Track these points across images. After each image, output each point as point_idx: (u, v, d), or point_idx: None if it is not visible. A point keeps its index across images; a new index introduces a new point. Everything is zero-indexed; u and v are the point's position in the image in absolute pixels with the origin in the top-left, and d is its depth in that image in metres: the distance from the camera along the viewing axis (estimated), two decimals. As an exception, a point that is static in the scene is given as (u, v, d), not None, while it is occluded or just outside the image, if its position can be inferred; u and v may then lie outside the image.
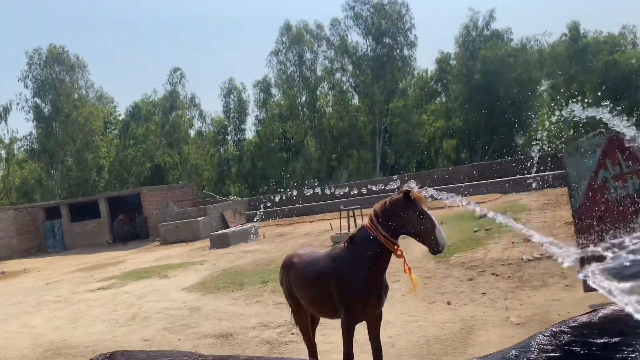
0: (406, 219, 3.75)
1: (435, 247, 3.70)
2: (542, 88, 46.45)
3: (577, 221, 5.87)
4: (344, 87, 46.24)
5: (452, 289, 7.59)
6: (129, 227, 28.16)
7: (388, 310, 6.99)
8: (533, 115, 43.74)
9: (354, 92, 46.54)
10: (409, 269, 3.97)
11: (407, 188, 3.79)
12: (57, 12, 79.16)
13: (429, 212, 3.73)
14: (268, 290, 9.34)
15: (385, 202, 3.93)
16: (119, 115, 52.40)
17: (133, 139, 47.68)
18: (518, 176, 22.23)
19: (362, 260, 3.91)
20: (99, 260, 20.16)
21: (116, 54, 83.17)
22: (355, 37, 44.47)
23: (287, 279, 4.68)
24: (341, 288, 4.00)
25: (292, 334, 6.47)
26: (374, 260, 3.88)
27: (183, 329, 7.61)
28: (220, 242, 18.40)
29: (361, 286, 3.92)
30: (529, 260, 8.17)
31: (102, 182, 46.54)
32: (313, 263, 4.36)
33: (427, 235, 3.70)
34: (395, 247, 3.86)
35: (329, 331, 6.09)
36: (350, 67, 45.13)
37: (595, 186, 5.73)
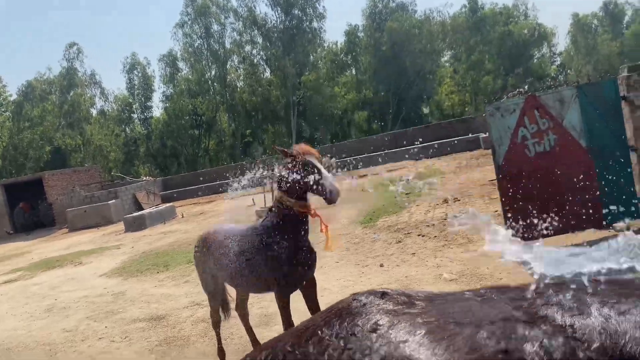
0: (297, 176, 3.76)
1: (327, 195, 3.66)
2: (445, 59, 48.52)
3: (500, 179, 6.16)
4: (255, 61, 45.47)
5: (382, 251, 7.75)
6: (32, 215, 26.04)
7: (323, 278, 7.01)
8: (437, 85, 45.70)
9: (265, 66, 45.90)
10: (326, 227, 3.97)
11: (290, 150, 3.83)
12: None
13: (316, 162, 3.72)
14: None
15: (280, 169, 3.95)
16: (10, 95, 47.93)
17: (28, 121, 43.86)
18: (431, 142, 23.18)
19: (282, 229, 3.87)
20: (0, 252, 18.52)
21: (1, 31, 75.59)
22: (263, 9, 43.86)
23: (205, 259, 4.46)
24: (268, 261, 3.91)
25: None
26: (293, 227, 3.84)
27: (109, 315, 7.16)
28: (135, 225, 17.56)
29: (287, 256, 3.86)
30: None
31: (-6, 169, 42.62)
32: (235, 239, 4.20)
33: (318, 186, 3.68)
34: (308, 208, 3.83)
35: (267, 303, 6.00)
36: (260, 40, 44.37)
37: (516, 144, 6.02)
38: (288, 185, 3.81)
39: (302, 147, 3.82)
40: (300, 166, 3.72)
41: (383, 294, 0.95)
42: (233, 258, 4.16)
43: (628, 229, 6.04)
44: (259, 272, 4.00)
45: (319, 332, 0.86)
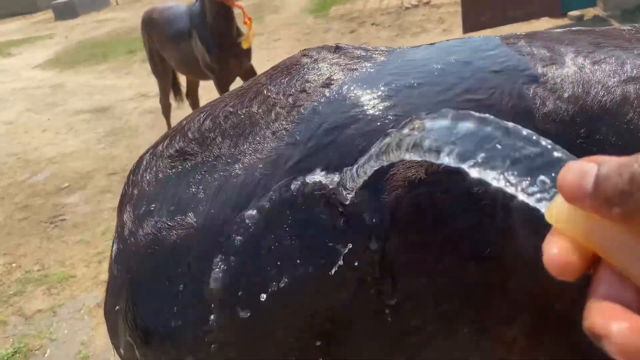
0: None
1: None
2: None
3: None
4: None
5: (334, 42, 7.44)
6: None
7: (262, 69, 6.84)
8: None
9: None
10: (249, 19, 3.80)
11: None
12: None
13: None
14: (138, 61, 8.56)
15: None
16: None
17: None
18: None
19: (205, 16, 3.69)
20: None
21: None
22: None
23: (149, 38, 4.32)
24: (199, 48, 3.78)
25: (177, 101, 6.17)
26: (215, 14, 3.64)
27: (49, 107, 6.89)
28: (67, 13, 16.03)
29: (211, 41, 3.72)
30: (407, 8, 8.17)
31: None
32: (174, 21, 4.01)
33: None
34: None
35: (216, 93, 5.87)
36: None
37: None
38: None
39: None
40: None
41: (337, 48, 0.83)
42: (170, 39, 4.07)
43: (582, 17, 5.97)
44: (191, 55, 3.91)
45: (264, 90, 0.75)
